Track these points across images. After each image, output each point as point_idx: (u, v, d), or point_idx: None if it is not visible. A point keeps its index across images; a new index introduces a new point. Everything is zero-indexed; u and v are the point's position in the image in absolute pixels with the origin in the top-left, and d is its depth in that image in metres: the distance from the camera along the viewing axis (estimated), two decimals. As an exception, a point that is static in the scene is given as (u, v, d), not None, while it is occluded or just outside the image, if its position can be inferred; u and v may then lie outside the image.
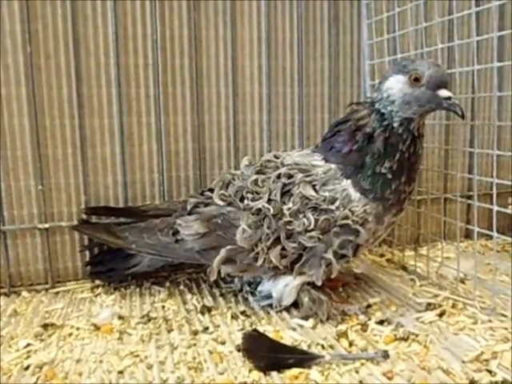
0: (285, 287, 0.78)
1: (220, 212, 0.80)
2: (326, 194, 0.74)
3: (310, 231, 0.73)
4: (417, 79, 0.72)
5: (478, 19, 1.04)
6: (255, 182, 0.79)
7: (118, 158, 0.96)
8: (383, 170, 0.74)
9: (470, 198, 0.97)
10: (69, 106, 0.92)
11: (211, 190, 0.85)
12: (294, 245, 0.74)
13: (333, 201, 0.73)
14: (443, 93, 0.72)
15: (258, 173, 0.80)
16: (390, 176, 0.74)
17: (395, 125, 0.74)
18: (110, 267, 0.91)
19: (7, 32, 0.87)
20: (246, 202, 0.78)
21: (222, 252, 0.78)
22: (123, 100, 0.94)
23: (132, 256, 0.89)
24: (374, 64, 1.02)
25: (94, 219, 0.95)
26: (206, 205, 0.83)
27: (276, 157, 0.82)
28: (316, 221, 0.73)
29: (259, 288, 0.83)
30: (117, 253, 0.90)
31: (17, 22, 0.87)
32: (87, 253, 0.96)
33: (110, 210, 0.96)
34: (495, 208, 0.76)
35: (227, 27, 0.98)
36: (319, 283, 0.76)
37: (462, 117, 0.72)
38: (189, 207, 0.85)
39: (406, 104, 0.72)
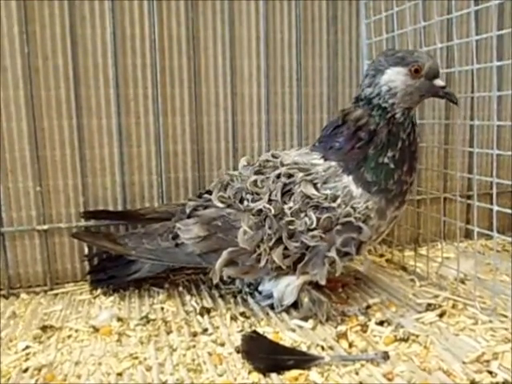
0: (286, 287, 0.78)
1: (220, 214, 0.80)
2: (328, 191, 0.74)
3: (312, 230, 0.73)
4: (417, 70, 0.73)
5: (477, 18, 1.04)
6: (255, 182, 0.78)
7: (117, 159, 0.95)
8: (386, 160, 0.74)
9: (469, 197, 0.97)
10: (67, 107, 0.91)
11: (209, 192, 0.84)
12: (297, 244, 0.74)
13: (334, 198, 0.73)
14: (439, 82, 0.75)
15: (256, 173, 0.80)
16: (392, 166, 0.74)
17: (397, 115, 0.75)
18: (111, 274, 0.90)
19: (5, 33, 0.87)
20: (245, 203, 0.78)
21: (224, 254, 0.77)
22: (121, 101, 0.94)
23: (133, 262, 0.88)
24: (372, 64, 1.02)
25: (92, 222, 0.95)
26: (206, 207, 0.83)
27: (274, 156, 0.82)
28: (318, 219, 0.73)
29: (260, 288, 0.82)
30: (117, 260, 0.90)
31: (14, 23, 0.87)
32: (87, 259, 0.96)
33: (109, 213, 0.95)
34: (495, 208, 0.75)
35: (225, 27, 0.98)
36: (323, 282, 0.76)
37: (457, 103, 0.77)
38: (188, 210, 0.84)
39: (408, 95, 0.74)
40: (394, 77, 0.74)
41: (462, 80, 1.07)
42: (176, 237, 0.82)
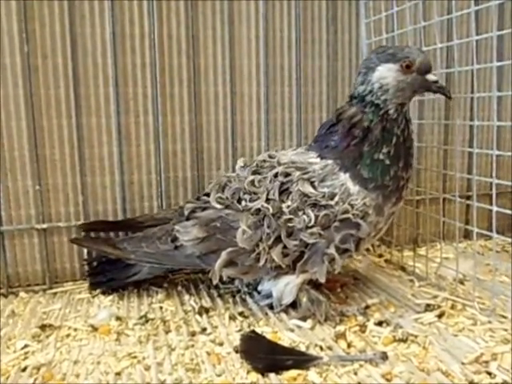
0: (285, 286, 0.78)
1: (218, 215, 0.80)
2: (325, 189, 0.74)
3: (310, 227, 0.73)
4: (408, 66, 0.74)
5: (478, 18, 1.04)
6: (252, 182, 0.78)
7: (116, 158, 0.95)
8: (381, 157, 0.74)
9: (469, 198, 0.97)
10: (66, 106, 0.91)
11: (207, 195, 0.84)
12: (296, 242, 0.74)
13: (332, 196, 0.74)
14: (431, 77, 0.75)
15: (254, 173, 0.80)
16: (388, 162, 0.75)
17: (391, 111, 0.75)
18: (110, 277, 0.90)
19: (4, 32, 0.86)
20: (243, 203, 0.78)
21: (223, 255, 0.77)
22: (121, 100, 0.94)
23: (132, 265, 0.88)
24: (372, 63, 1.02)
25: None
26: (204, 209, 0.83)
27: (271, 156, 0.82)
28: (316, 217, 0.73)
29: (259, 287, 0.82)
30: (116, 262, 0.89)
31: (14, 22, 0.87)
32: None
33: (107, 224, 0.95)
34: (494, 208, 0.75)
35: (225, 26, 0.98)
36: (323, 280, 0.76)
37: (450, 98, 0.77)
38: (186, 213, 0.84)
39: (400, 91, 0.74)
40: (386, 73, 0.74)
41: (462, 80, 1.06)
42: (175, 239, 0.82)
